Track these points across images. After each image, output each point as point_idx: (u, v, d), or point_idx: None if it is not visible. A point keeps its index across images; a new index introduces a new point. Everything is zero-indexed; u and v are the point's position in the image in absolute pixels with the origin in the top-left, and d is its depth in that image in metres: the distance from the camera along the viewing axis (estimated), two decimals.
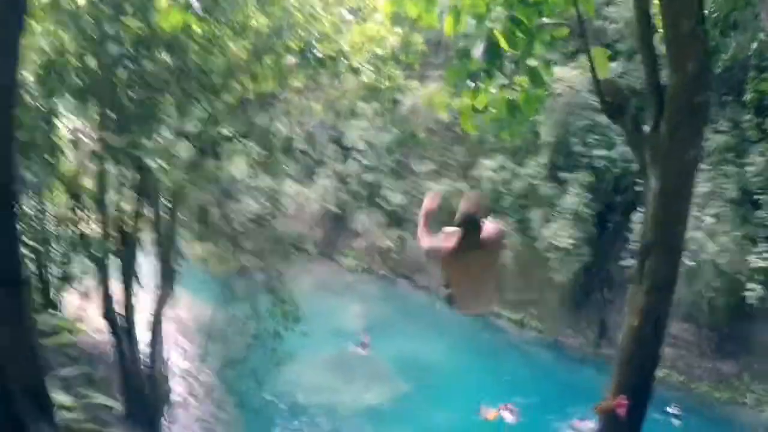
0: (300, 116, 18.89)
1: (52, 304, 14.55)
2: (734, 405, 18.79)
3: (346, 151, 30.83)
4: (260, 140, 14.91)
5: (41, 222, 14.18)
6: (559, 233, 21.62)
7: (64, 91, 11.54)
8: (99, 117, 11.33)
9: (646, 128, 5.73)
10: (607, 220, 22.48)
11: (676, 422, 17.11)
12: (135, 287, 13.72)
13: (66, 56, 10.96)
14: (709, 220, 17.95)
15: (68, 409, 5.27)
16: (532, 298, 24.45)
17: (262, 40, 12.83)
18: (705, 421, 17.85)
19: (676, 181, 5.59)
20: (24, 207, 13.94)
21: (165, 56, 11.83)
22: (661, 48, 5.64)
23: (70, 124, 13.08)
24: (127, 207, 13.18)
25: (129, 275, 13.24)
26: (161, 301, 13.94)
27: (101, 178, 11.84)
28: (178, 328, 19.16)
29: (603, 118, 19.87)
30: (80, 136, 12.67)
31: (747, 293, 17.48)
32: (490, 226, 4.59)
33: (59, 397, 5.16)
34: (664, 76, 5.56)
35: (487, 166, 24.06)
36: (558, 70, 19.64)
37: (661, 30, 5.49)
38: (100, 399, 5.87)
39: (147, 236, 14.09)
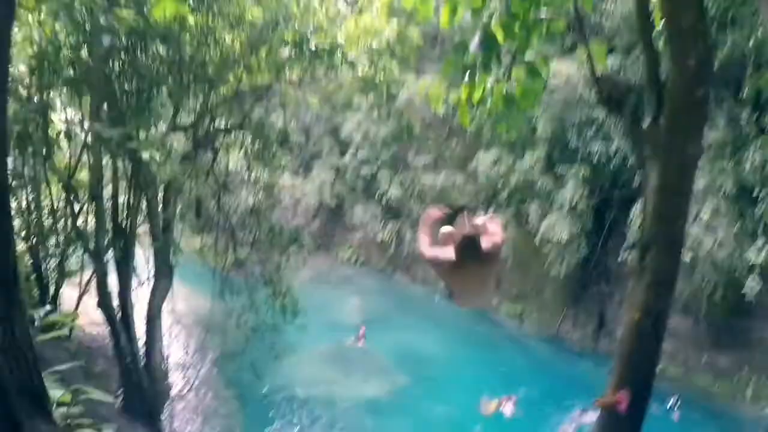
0: (296, 109, 18.88)
1: (49, 299, 14.54)
2: (733, 399, 18.83)
3: (342, 144, 30.77)
4: (256, 133, 14.87)
5: (38, 216, 14.16)
6: (557, 227, 21.62)
7: (58, 84, 11.51)
8: (93, 109, 11.27)
9: (644, 123, 5.71)
10: (605, 214, 22.45)
11: (674, 415, 17.14)
12: (133, 281, 13.72)
13: (59, 48, 10.90)
14: (706, 215, 17.95)
15: (65, 404, 5.23)
16: (531, 291, 24.48)
17: (257, 32, 12.77)
18: (704, 414, 17.86)
19: (676, 176, 5.58)
20: (20, 201, 13.97)
21: (159, 48, 11.79)
22: (660, 43, 5.61)
23: (65, 116, 13.05)
24: (123, 200, 13.16)
25: (126, 269, 13.22)
26: (159, 295, 13.92)
27: (96, 170, 11.79)
28: (176, 322, 19.15)
29: (600, 113, 19.94)
30: (75, 128, 12.63)
31: (745, 288, 17.51)
32: (489, 229, 4.57)
33: (56, 392, 5.12)
34: (664, 70, 5.53)
35: (484, 160, 24.02)
36: (555, 64, 19.61)
37: (662, 25, 5.46)
38: (96, 394, 5.84)
39: (144, 229, 14.06)
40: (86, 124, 11.91)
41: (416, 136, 28.09)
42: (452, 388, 19.22)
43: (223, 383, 18.61)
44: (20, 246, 14.53)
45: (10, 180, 12.78)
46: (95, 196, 11.96)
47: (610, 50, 19.25)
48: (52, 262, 14.84)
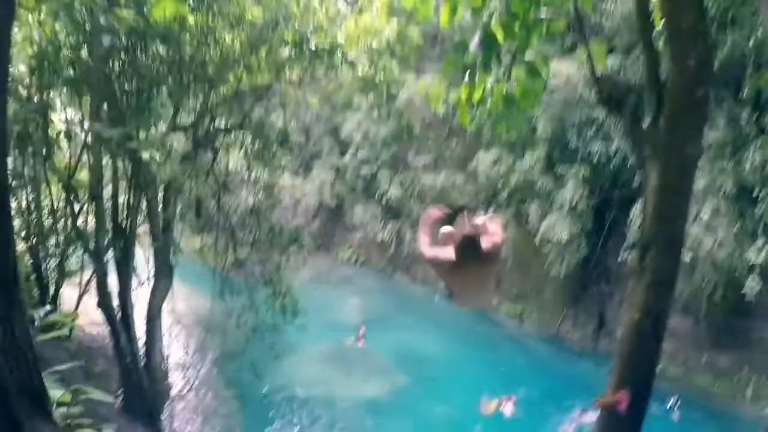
0: (296, 109, 18.87)
1: (49, 299, 14.54)
2: (733, 399, 18.82)
3: (342, 143, 30.77)
4: (256, 132, 14.87)
5: (38, 216, 14.16)
6: (557, 227, 21.61)
7: (59, 84, 11.51)
8: (93, 109, 11.27)
9: (644, 123, 5.70)
10: (605, 214, 22.44)
11: (674, 415, 17.13)
12: (133, 281, 13.72)
13: (59, 48, 10.91)
14: (706, 215, 17.95)
15: (65, 404, 5.23)
16: (531, 291, 24.48)
17: (257, 31, 12.77)
18: (704, 414, 17.85)
19: (676, 176, 5.58)
20: (20, 201, 13.98)
21: (159, 48, 11.79)
22: (660, 43, 5.60)
23: (65, 116, 13.05)
24: (123, 200, 13.16)
25: (126, 269, 13.22)
26: (159, 295, 13.92)
27: (96, 170, 11.79)
28: (176, 321, 19.15)
29: (600, 113, 19.94)
30: (75, 128, 12.64)
31: (745, 288, 17.51)
32: (489, 229, 4.56)
33: (56, 392, 5.11)
34: (664, 70, 5.53)
35: (484, 160, 24.02)
36: (555, 65, 19.61)
37: (662, 25, 5.46)
38: (96, 394, 5.83)
39: (144, 229, 14.05)
40: (86, 124, 11.91)
41: (416, 136, 28.09)
42: (452, 388, 19.22)
43: (223, 383, 18.61)
44: (20, 246, 14.55)
45: (10, 180, 12.83)
46: (95, 196, 11.96)
47: (610, 50, 19.25)
48: (52, 262, 14.84)
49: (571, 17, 6.03)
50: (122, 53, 11.51)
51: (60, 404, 5.19)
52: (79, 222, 13.31)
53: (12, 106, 10.96)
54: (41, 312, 6.76)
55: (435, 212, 4.75)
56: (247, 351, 16.81)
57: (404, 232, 29.22)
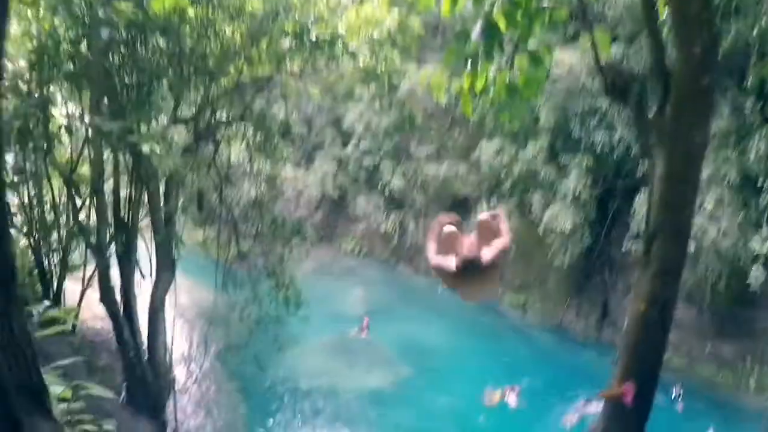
0: (297, 100, 18.77)
1: (52, 294, 14.54)
2: (736, 389, 18.80)
3: (344, 134, 30.70)
4: (257, 124, 14.80)
5: (40, 211, 14.14)
6: (560, 217, 21.55)
7: (59, 78, 11.46)
8: (93, 103, 11.21)
9: (649, 112, 5.63)
10: (608, 204, 22.40)
11: (679, 406, 17.12)
12: (135, 274, 13.69)
13: (59, 42, 10.84)
14: (710, 205, 17.88)
15: (66, 400, 5.19)
16: (534, 281, 24.45)
17: (257, 23, 12.68)
18: (707, 404, 17.86)
19: (683, 164, 5.50)
20: (22, 196, 13.97)
21: (159, 41, 11.72)
22: (665, 31, 5.52)
23: (66, 111, 13.00)
24: (125, 194, 13.12)
25: (128, 263, 13.19)
26: (162, 288, 13.89)
27: (97, 165, 11.74)
28: (179, 315, 19.14)
29: (603, 102, 19.85)
30: (76, 123, 12.59)
31: (750, 278, 17.45)
32: (493, 227, 4.50)
33: (56, 389, 5.08)
34: (669, 59, 5.45)
35: (487, 149, 23.94)
36: (557, 54, 19.49)
37: (666, 13, 5.38)
38: (97, 390, 5.79)
39: (146, 223, 14.02)
40: (87, 119, 11.85)
41: (418, 127, 28.01)
42: (455, 378, 19.24)
43: (226, 376, 18.64)
44: (22, 242, 14.57)
45: (12, 176, 12.83)
46: (96, 191, 11.92)
47: (613, 39, 19.13)
48: (55, 258, 14.83)
49: (573, 6, 5.95)
50: (122, 46, 11.44)
51: (61, 400, 5.15)
52: (81, 216, 13.27)
53: (12, 102, 10.94)
54: (40, 308, 6.70)
55: (445, 219, 4.67)
56: (250, 343, 16.83)
57: (407, 223, 29.21)
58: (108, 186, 12.64)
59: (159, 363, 13.79)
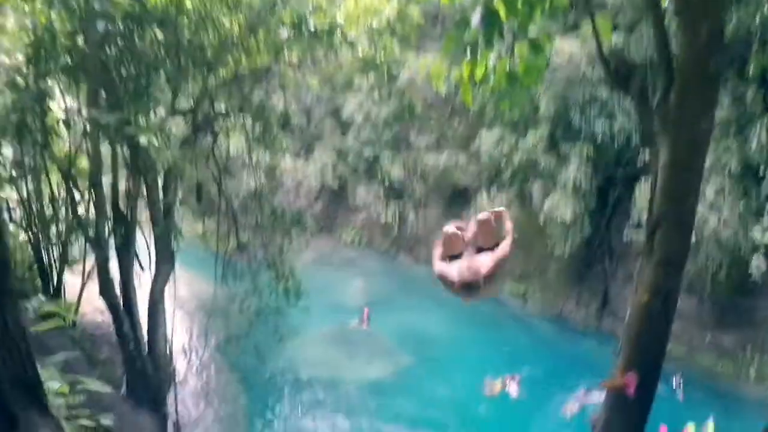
0: (296, 91, 18.68)
1: (53, 288, 14.54)
2: (737, 378, 18.80)
3: (343, 125, 30.59)
4: (256, 115, 14.72)
5: (39, 205, 14.13)
6: (560, 206, 21.48)
7: (56, 71, 11.40)
8: (91, 96, 11.14)
9: (652, 99, 5.54)
10: (609, 193, 22.34)
11: (679, 396, 17.11)
12: (135, 267, 13.66)
13: (55, 36, 10.79)
14: (710, 194, 17.80)
15: (63, 395, 5.16)
16: (534, 270, 24.40)
17: (254, 13, 12.58)
18: (707, 393, 17.85)
19: (687, 152, 5.42)
20: (21, 191, 13.96)
21: (156, 32, 11.65)
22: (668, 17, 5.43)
23: (64, 104, 12.96)
24: (123, 186, 13.06)
25: (127, 256, 13.15)
26: (161, 281, 13.85)
27: (95, 158, 11.68)
28: (179, 307, 19.12)
29: (603, 91, 19.72)
30: (73, 116, 12.53)
31: (751, 268, 17.41)
32: (495, 226, 4.48)
33: (53, 383, 5.04)
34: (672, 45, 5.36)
35: (487, 139, 23.84)
36: (557, 43, 19.38)
37: None
38: (94, 385, 5.76)
39: (145, 215, 13.98)
40: (84, 112, 11.78)
41: (418, 116, 27.90)
42: (456, 368, 19.25)
43: (227, 367, 18.64)
44: (22, 236, 14.57)
45: (10, 170, 12.81)
46: (94, 184, 11.87)
47: (614, 28, 19.00)
48: (55, 251, 14.83)
49: None
50: (119, 39, 11.36)
51: (59, 395, 5.11)
52: (80, 210, 13.24)
53: (10, 96, 10.90)
54: (35, 302, 6.67)
55: (450, 228, 4.62)
56: (250, 334, 16.81)
57: (407, 213, 29.17)
58: (106, 179, 12.58)
59: (159, 356, 13.78)
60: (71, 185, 12.99)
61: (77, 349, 12.70)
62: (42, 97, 11.47)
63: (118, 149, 12.55)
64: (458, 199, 26.99)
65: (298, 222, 17.12)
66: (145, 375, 13.36)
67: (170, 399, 14.09)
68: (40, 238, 14.47)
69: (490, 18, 5.46)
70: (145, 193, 13.40)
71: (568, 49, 20.43)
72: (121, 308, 12.88)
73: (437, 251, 4.55)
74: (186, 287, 19.74)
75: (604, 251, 22.81)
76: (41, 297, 9.15)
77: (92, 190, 12.25)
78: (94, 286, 13.31)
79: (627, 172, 21.18)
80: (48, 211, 14.44)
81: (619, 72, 5.69)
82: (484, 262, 4.25)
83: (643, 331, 5.82)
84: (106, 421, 5.82)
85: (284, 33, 13.23)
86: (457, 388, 18.41)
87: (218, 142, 14.97)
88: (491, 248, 4.45)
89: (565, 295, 23.83)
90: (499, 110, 20.14)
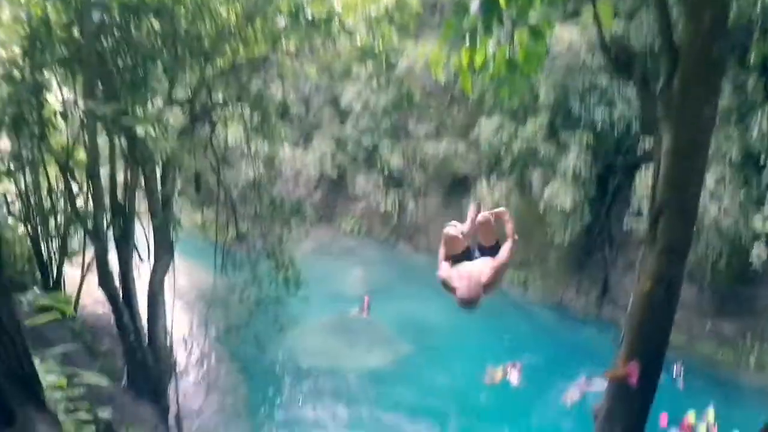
0: (294, 80, 18.57)
1: (52, 281, 14.52)
2: (737, 366, 18.83)
3: (342, 114, 30.46)
4: (254, 105, 14.63)
5: (37, 198, 14.09)
6: (560, 194, 21.42)
7: (52, 63, 11.34)
8: (87, 87, 11.05)
9: (654, 85, 5.47)
10: (609, 181, 22.29)
11: (680, 384, 17.13)
12: (134, 258, 13.62)
13: (51, 27, 10.72)
14: (711, 182, 17.75)
15: (61, 388, 5.12)
16: (535, 258, 24.38)
17: (252, 2, 12.47)
18: (708, 381, 17.88)
19: (691, 139, 5.35)
20: (19, 184, 13.93)
21: (153, 22, 11.57)
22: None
23: (61, 96, 12.90)
24: (121, 177, 13.01)
25: (126, 247, 13.11)
26: (160, 271, 13.81)
27: (92, 149, 11.60)
28: (179, 297, 19.12)
29: (603, 79, 19.61)
30: (70, 108, 12.47)
31: (752, 257, 17.38)
32: (495, 227, 4.54)
33: (50, 377, 5.00)
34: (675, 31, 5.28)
35: (486, 127, 23.74)
36: (557, 30, 19.24)
37: None
38: (92, 378, 5.73)
39: (143, 206, 13.92)
40: (81, 103, 11.71)
41: (417, 105, 27.78)
42: (456, 356, 19.27)
43: (227, 357, 18.65)
44: (20, 229, 14.55)
45: (7, 163, 12.76)
46: (92, 176, 11.79)
47: (614, 15, 18.88)
48: (54, 244, 14.81)
49: None
50: (115, 29, 11.28)
51: (55, 389, 5.08)
52: (79, 202, 13.20)
53: (6, 89, 10.84)
54: (30, 296, 6.62)
55: (452, 230, 4.68)
56: (250, 324, 16.81)
57: (407, 202, 29.10)
58: (105, 171, 12.52)
59: (159, 347, 13.77)
60: (69, 177, 12.93)
61: (78, 342, 12.69)
62: (39, 89, 11.42)
63: (116, 140, 12.48)
64: (458, 188, 26.93)
65: (297, 211, 17.07)
66: (146, 366, 13.34)
67: (171, 390, 14.09)
68: (39, 231, 14.43)
69: (489, 4, 5.37)
70: (143, 184, 13.34)
71: (568, 37, 20.30)
72: (121, 300, 12.84)
73: (441, 251, 4.63)
74: (185, 277, 19.73)
75: (604, 239, 22.79)
76: (36, 290, 9.10)
77: (90, 182, 12.18)
78: (94, 278, 13.28)
79: (627, 160, 21.12)
80: (46, 203, 14.40)
81: (620, 59, 5.62)
82: (484, 271, 4.35)
83: (646, 320, 5.77)
84: (105, 414, 5.79)
85: (281, 22, 13.12)
86: (457, 377, 18.45)
87: (216, 131, 14.89)
88: (492, 247, 4.53)
89: (566, 283, 23.84)
90: (498, 98, 19.99)
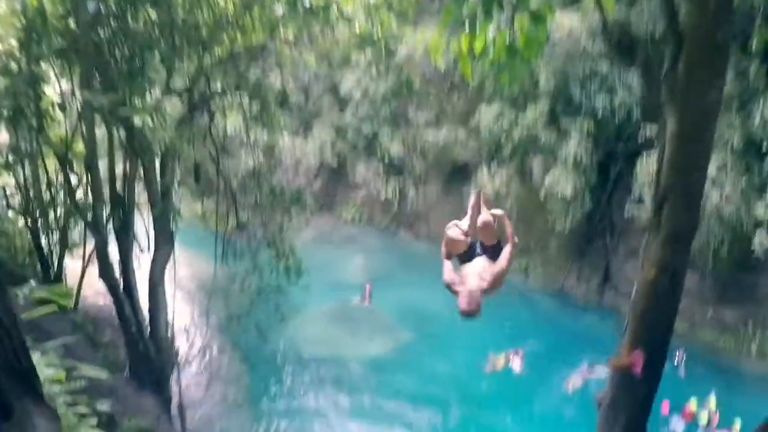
0: (293, 68, 18.47)
1: (53, 273, 14.52)
2: (738, 354, 18.83)
3: (342, 102, 30.33)
4: (253, 94, 14.55)
5: (36, 190, 14.07)
6: (561, 181, 21.35)
7: (48, 54, 11.29)
8: (84, 78, 10.98)
9: (658, 70, 5.40)
10: (610, 168, 22.20)
11: (681, 372, 17.12)
12: (134, 249, 13.59)
13: (46, 18, 10.65)
14: (712, 169, 17.66)
15: (60, 382, 5.08)
16: (535, 246, 24.34)
17: None
18: (709, 368, 17.88)
19: (695, 123, 5.28)
20: (18, 177, 13.91)
21: (150, 12, 11.50)
22: None
23: (59, 88, 12.85)
24: (120, 168, 12.97)
25: (126, 238, 13.07)
26: (161, 262, 13.78)
27: (91, 140, 11.55)
28: (180, 287, 19.12)
29: (604, 65, 19.47)
30: (68, 99, 12.42)
31: (754, 245, 17.33)
32: (495, 228, 4.61)
33: (48, 371, 4.96)
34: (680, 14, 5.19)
35: (487, 114, 23.62)
36: (557, 17, 19.09)
37: None
38: (91, 371, 5.70)
39: (143, 197, 13.88)
40: (78, 94, 11.65)
41: (416, 92, 27.63)
42: (457, 343, 19.24)
43: (229, 347, 18.66)
44: (20, 221, 14.54)
45: (6, 156, 12.73)
46: (91, 167, 11.74)
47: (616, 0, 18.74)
48: (54, 236, 14.80)
49: None
50: (111, 19, 11.20)
51: (56, 382, 5.05)
52: (78, 194, 13.16)
53: (3, 81, 10.79)
54: (26, 289, 6.59)
55: (453, 232, 4.74)
56: (251, 314, 16.81)
57: (407, 190, 29.04)
58: (103, 163, 12.47)
59: (161, 337, 13.76)
60: (68, 169, 12.90)
61: (79, 333, 12.69)
62: (36, 81, 11.37)
63: (114, 131, 12.43)
64: (458, 175, 26.85)
65: (297, 200, 17.01)
66: (148, 357, 13.35)
67: (173, 380, 14.10)
68: (39, 224, 14.42)
69: None
70: (142, 174, 13.30)
71: (568, 23, 20.13)
72: (122, 291, 12.83)
73: (443, 251, 4.72)
74: (186, 268, 19.69)
75: (605, 226, 22.73)
76: (33, 283, 9.07)
77: (89, 174, 12.13)
78: (95, 269, 13.28)
79: (628, 147, 21.01)
80: (46, 196, 14.37)
81: (622, 44, 5.55)
82: (485, 277, 4.43)
83: (650, 309, 5.72)
84: (104, 407, 5.76)
85: (279, 9, 13.02)
86: (458, 364, 18.46)
87: (215, 121, 14.81)
88: (493, 246, 4.60)
89: (567, 270, 23.81)
90: (498, 85, 19.86)
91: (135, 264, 13.52)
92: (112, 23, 11.34)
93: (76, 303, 14.31)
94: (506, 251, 4.61)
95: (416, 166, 28.71)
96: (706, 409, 15.46)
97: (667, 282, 5.57)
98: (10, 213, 15.29)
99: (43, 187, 14.35)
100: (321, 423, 16.22)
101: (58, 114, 12.86)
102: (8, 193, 14.96)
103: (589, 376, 16.26)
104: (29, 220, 14.45)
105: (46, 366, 5.18)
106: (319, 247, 26.29)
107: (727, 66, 5.27)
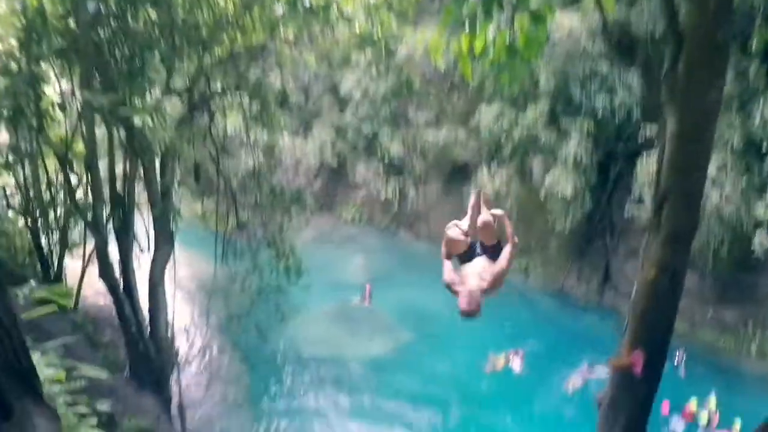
0: (293, 68, 18.48)
1: (53, 273, 14.51)
2: (738, 354, 18.83)
3: (342, 102, 30.32)
4: (253, 93, 14.55)
5: (37, 190, 14.07)
6: (561, 181, 21.34)
7: (48, 54, 11.29)
8: (84, 78, 10.99)
9: (658, 70, 5.40)
10: (610, 168, 22.20)
11: (681, 372, 17.11)
12: (134, 249, 13.59)
13: (46, 18, 10.66)
14: (713, 169, 17.66)
15: (59, 382, 5.08)
16: (536, 245, 24.34)
17: None
18: (709, 369, 17.88)
19: (696, 123, 5.28)
20: (18, 177, 13.91)
21: (150, 12, 11.50)
22: None
23: (59, 88, 12.86)
24: (120, 168, 12.97)
25: (126, 238, 13.07)
26: (161, 262, 13.78)
27: (90, 140, 11.55)
28: (180, 287, 19.11)
29: (604, 66, 19.47)
30: (68, 99, 12.42)
31: (754, 245, 17.33)
32: (500, 227, 4.64)
33: (48, 371, 4.96)
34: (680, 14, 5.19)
35: (487, 114, 23.61)
36: (557, 17, 19.09)
37: None
38: (91, 371, 5.70)
39: (143, 197, 13.88)
40: (78, 94, 11.65)
41: (417, 92, 27.62)
42: (457, 343, 19.24)
43: (229, 347, 18.66)
44: (20, 221, 14.54)
45: (6, 156, 12.74)
46: (91, 167, 11.74)
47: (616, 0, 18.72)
48: (54, 236, 14.80)
49: None
50: (111, 19, 11.20)
51: (56, 382, 5.05)
52: (78, 194, 13.16)
53: (3, 81, 10.80)
54: (26, 289, 6.59)
55: (453, 232, 4.75)
56: (252, 314, 16.81)
57: (407, 190, 29.03)
58: (103, 162, 12.48)
59: (161, 337, 13.76)
60: (68, 169, 12.90)
61: (79, 333, 12.69)
62: (36, 81, 11.37)
63: (114, 131, 12.44)
64: (458, 175, 26.84)
65: (297, 200, 17.02)
66: (148, 357, 13.34)
67: (173, 380, 14.10)
68: (39, 224, 14.42)
69: None
70: (142, 174, 13.30)
71: (568, 23, 20.13)
72: (122, 291, 12.83)
73: (443, 251, 4.73)
74: (186, 267, 19.69)
75: (605, 226, 22.73)
76: (33, 283, 9.07)
77: (89, 174, 12.14)
78: (95, 269, 13.29)
79: (628, 147, 21.00)
80: (46, 196, 14.38)
81: (622, 44, 5.56)
82: (485, 277, 4.44)
83: (650, 309, 5.73)
84: (104, 407, 5.76)
85: (279, 10, 13.03)
86: (458, 364, 18.46)
87: (215, 121, 14.82)
88: (494, 246, 4.61)
89: (567, 270, 23.80)
90: (498, 85, 19.85)
91: (135, 264, 13.52)
92: (112, 23, 11.34)
93: (76, 303, 14.31)
94: (506, 251, 4.61)
95: (416, 166, 28.71)
96: (706, 409, 15.47)
97: (667, 282, 5.57)
98: (10, 213, 15.29)
99: (43, 187, 14.35)
100: (321, 423, 16.23)
101: (58, 114, 12.87)
102: (8, 193, 14.96)
103: (589, 376, 16.27)
104: (29, 220, 14.45)
105: (46, 366, 5.19)
106: (319, 247, 26.29)
107: (727, 66, 5.27)
